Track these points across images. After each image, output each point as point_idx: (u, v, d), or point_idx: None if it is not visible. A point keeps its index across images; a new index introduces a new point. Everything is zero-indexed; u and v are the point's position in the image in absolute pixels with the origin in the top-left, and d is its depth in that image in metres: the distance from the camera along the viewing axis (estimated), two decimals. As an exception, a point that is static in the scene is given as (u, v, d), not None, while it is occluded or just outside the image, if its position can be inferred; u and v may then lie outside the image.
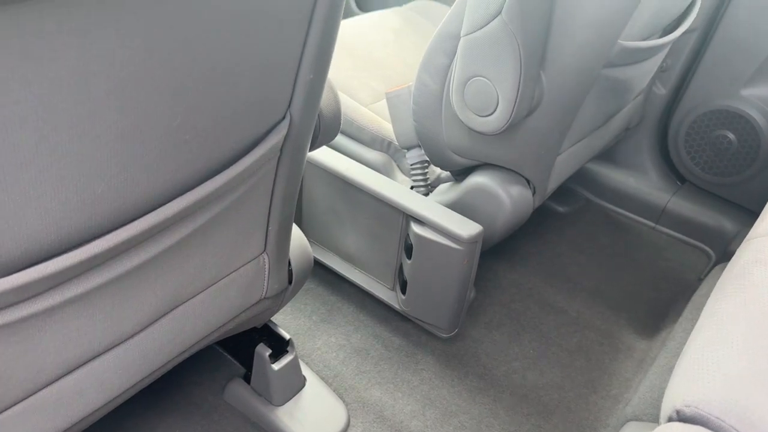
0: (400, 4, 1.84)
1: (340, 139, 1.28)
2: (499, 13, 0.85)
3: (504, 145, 1.04)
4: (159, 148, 0.54)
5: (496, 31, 0.87)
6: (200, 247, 0.70)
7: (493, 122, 0.97)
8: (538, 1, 0.84)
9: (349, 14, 2.04)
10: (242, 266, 0.80)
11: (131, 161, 0.52)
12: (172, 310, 0.73)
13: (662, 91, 1.53)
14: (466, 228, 1.03)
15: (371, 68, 1.41)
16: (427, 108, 1.08)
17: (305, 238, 0.95)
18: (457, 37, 0.96)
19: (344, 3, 0.64)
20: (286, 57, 0.62)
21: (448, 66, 1.02)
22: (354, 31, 1.52)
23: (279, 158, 0.73)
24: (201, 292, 0.76)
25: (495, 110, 0.96)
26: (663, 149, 1.60)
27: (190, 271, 0.71)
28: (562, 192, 1.67)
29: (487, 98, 0.95)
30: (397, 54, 1.48)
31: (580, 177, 1.68)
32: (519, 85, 0.91)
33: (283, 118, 0.68)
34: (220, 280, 0.78)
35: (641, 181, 1.62)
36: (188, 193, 0.61)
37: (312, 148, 0.86)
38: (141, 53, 0.46)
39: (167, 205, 0.59)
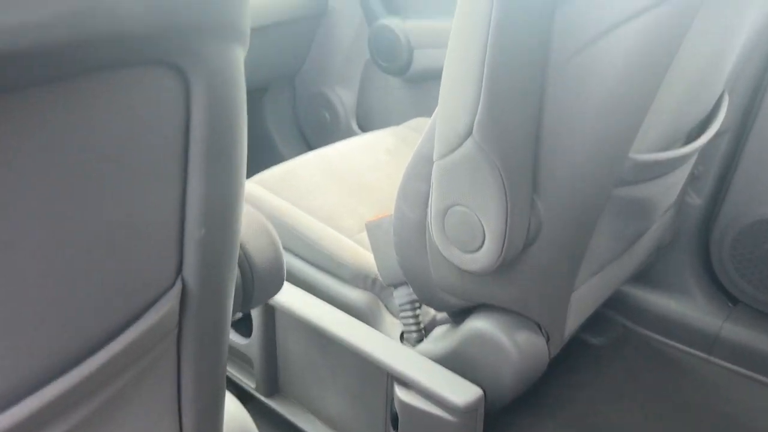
0: (399, 123, 1.73)
1: (318, 277, 1.11)
2: (470, 133, 0.69)
3: (502, 284, 0.85)
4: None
5: (470, 153, 0.70)
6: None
7: (482, 259, 0.79)
8: (516, 115, 0.67)
9: (350, 134, 1.95)
10: (146, 475, 0.61)
11: None
12: None
13: (697, 201, 1.33)
14: (462, 392, 0.82)
15: (360, 193, 1.26)
16: (410, 241, 0.91)
17: (251, 422, 0.75)
18: (432, 160, 0.80)
19: (244, 134, 0.49)
20: (157, 212, 0.46)
21: (427, 192, 0.85)
22: (343, 155, 1.39)
23: (179, 334, 0.55)
24: None
25: (482, 245, 0.77)
26: (707, 266, 1.38)
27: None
28: (594, 319, 1.43)
29: (470, 230, 0.77)
30: (389, 176, 1.34)
31: (614, 301, 1.45)
32: (507, 215, 0.73)
33: (173, 285, 0.52)
34: (112, 498, 0.58)
35: (686, 305, 1.38)
36: (28, 398, 0.43)
37: (248, 307, 0.69)
38: None
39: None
